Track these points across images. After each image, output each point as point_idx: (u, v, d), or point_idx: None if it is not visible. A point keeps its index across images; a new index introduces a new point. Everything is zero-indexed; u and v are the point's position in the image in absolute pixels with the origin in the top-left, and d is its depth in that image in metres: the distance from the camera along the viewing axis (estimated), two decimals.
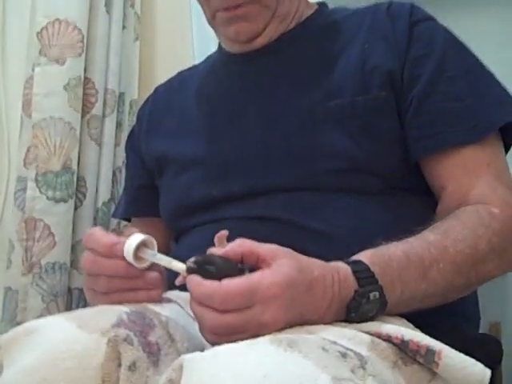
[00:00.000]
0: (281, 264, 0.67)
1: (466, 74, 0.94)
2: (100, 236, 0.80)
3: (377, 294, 0.71)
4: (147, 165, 1.13)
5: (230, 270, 0.68)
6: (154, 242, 0.79)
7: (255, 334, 0.64)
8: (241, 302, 0.65)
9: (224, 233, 0.73)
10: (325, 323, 0.69)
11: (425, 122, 0.91)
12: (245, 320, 0.65)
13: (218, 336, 0.66)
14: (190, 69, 1.21)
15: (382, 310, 0.72)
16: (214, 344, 0.65)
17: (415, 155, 0.92)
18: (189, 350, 0.73)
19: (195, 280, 0.68)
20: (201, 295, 0.66)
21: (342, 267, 0.72)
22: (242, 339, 0.63)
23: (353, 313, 0.70)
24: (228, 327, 0.65)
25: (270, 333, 0.65)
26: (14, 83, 1.58)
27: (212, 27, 1.06)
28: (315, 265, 0.71)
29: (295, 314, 0.67)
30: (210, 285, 0.66)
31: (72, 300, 1.40)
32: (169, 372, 0.60)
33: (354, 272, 0.72)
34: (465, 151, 0.90)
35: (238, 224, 0.91)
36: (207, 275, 0.67)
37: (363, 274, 0.72)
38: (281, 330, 0.66)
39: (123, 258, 0.77)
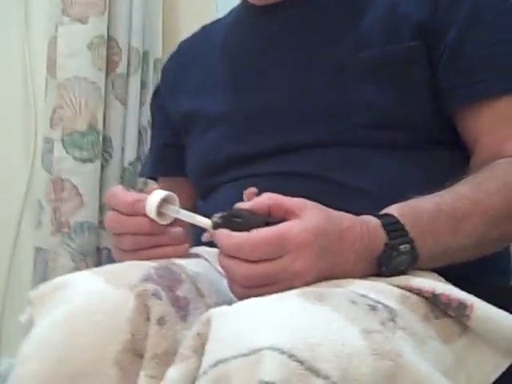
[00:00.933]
0: (310, 214, 0.67)
1: (501, 18, 0.90)
2: (121, 194, 0.80)
3: (408, 246, 0.70)
4: (173, 123, 1.12)
5: (257, 222, 0.67)
6: (176, 198, 0.78)
7: (287, 286, 0.64)
8: (271, 251, 0.64)
9: (253, 190, 0.73)
10: (355, 276, 0.69)
11: (459, 70, 0.88)
12: (276, 269, 0.64)
13: (248, 289, 0.66)
14: (213, 23, 1.18)
15: (413, 264, 0.71)
16: (242, 299, 0.65)
17: (449, 107, 0.90)
18: (217, 305, 0.72)
19: (223, 233, 0.67)
20: (230, 246, 0.66)
21: (371, 220, 0.71)
22: (273, 292, 0.63)
23: (384, 266, 0.70)
24: (259, 277, 0.65)
25: (301, 284, 0.64)
26: (38, 44, 1.58)
27: None
28: (344, 217, 0.70)
29: (326, 264, 0.67)
30: (238, 236, 0.66)
31: (101, 259, 1.42)
32: (197, 326, 0.60)
33: (384, 225, 0.71)
34: (501, 101, 0.87)
35: (268, 180, 0.90)
36: (234, 228, 0.67)
37: (393, 226, 0.71)
38: (312, 281, 0.65)
39: (146, 215, 0.77)
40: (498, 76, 0.87)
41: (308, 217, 0.67)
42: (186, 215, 0.76)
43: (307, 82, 0.94)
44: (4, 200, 1.63)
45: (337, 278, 0.67)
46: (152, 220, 0.77)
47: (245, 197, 0.73)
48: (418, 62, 0.90)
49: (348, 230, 0.68)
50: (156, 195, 0.76)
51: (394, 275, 0.70)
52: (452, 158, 0.91)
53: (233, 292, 0.69)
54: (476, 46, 0.88)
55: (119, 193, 0.80)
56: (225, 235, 0.67)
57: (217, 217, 0.70)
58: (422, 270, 0.74)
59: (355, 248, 0.68)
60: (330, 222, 0.68)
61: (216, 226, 0.69)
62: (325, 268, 0.67)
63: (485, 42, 0.88)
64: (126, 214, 0.78)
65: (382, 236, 0.70)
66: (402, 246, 0.70)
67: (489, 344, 0.68)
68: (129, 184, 1.46)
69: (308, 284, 0.65)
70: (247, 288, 0.66)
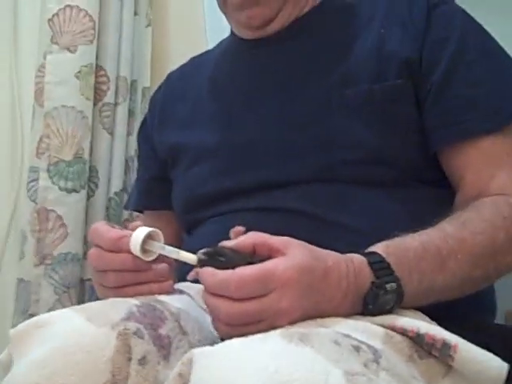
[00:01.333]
0: (295, 252, 0.67)
1: (486, 57, 0.91)
2: (105, 231, 0.79)
3: (394, 284, 0.70)
4: (160, 155, 1.12)
5: (240, 261, 0.67)
6: (161, 234, 0.78)
7: (271, 324, 0.63)
8: (257, 288, 0.64)
9: (240, 229, 0.72)
10: (340, 315, 0.68)
11: (443, 109, 0.89)
12: (261, 308, 0.64)
13: (233, 327, 0.65)
14: (202, 54, 1.19)
15: (399, 302, 0.71)
16: (226, 337, 0.64)
17: (434, 145, 0.90)
18: (200, 343, 0.72)
19: (208, 270, 0.67)
20: (215, 284, 0.65)
21: (356, 258, 0.71)
22: (257, 330, 0.63)
23: (370, 305, 0.69)
24: (243, 316, 0.64)
25: (285, 322, 0.64)
26: (26, 72, 1.57)
27: (223, 13, 1.05)
28: (329, 255, 0.70)
29: (311, 303, 0.66)
30: (223, 273, 0.65)
31: (85, 291, 1.40)
32: (179, 366, 0.60)
33: (370, 263, 0.70)
34: (485, 140, 0.88)
35: (253, 216, 0.89)
36: (218, 266, 0.66)
37: (379, 265, 0.71)
38: (296, 320, 0.65)
39: (130, 252, 0.76)
40: (482, 116, 0.88)
41: (293, 254, 0.66)
42: (171, 251, 0.75)
43: (293, 117, 0.94)
44: None
45: (322, 316, 0.67)
46: (136, 257, 0.76)
47: (231, 235, 0.73)
48: (405, 100, 0.90)
49: (333, 268, 0.68)
50: (140, 232, 0.76)
51: (379, 314, 0.70)
52: (437, 195, 0.91)
53: (217, 330, 0.68)
54: (460, 85, 0.89)
55: (102, 229, 0.80)
56: (209, 273, 0.66)
57: (201, 252, 0.69)
58: (407, 308, 0.73)
59: (341, 286, 0.68)
60: (316, 260, 0.67)
61: (201, 263, 0.69)
62: (310, 307, 0.66)
63: (469, 82, 0.89)
64: (110, 251, 0.78)
65: (368, 274, 0.70)
66: (388, 285, 0.69)
67: None
68: (114, 215, 1.45)
69: (292, 323, 0.64)
70: (231, 326, 0.65)
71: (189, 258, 0.72)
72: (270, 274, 0.64)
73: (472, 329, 0.73)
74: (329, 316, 0.67)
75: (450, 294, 0.78)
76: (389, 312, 0.70)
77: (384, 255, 0.72)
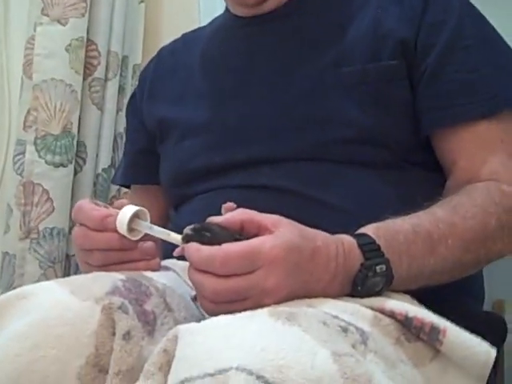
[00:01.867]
0: (283, 231, 0.66)
1: (483, 43, 0.91)
2: (89, 209, 0.77)
3: (383, 266, 0.69)
4: (148, 129, 1.10)
5: (226, 237, 0.65)
6: (147, 213, 0.76)
7: (257, 303, 0.63)
8: (242, 265, 0.63)
9: (232, 205, 0.71)
10: (329, 296, 0.67)
11: (438, 92, 0.88)
12: (246, 285, 0.63)
13: (218, 305, 0.64)
14: (194, 31, 1.17)
15: (388, 285, 0.71)
16: (212, 314, 0.64)
17: (427, 128, 0.90)
18: (186, 320, 0.71)
19: (194, 246, 0.66)
20: (200, 260, 0.64)
21: (346, 239, 0.70)
22: (243, 308, 0.62)
23: (359, 286, 0.69)
24: (229, 292, 0.63)
25: (272, 301, 0.63)
26: (15, 43, 1.56)
27: None
28: (318, 235, 0.69)
29: (298, 282, 0.65)
30: (209, 249, 0.64)
31: (70, 266, 1.40)
32: (164, 342, 0.59)
33: (360, 245, 0.70)
34: (479, 125, 0.87)
35: (241, 193, 0.89)
36: (204, 243, 0.65)
37: (369, 246, 0.70)
38: (283, 299, 0.64)
39: (116, 231, 0.75)
40: (477, 100, 0.87)
41: (281, 233, 0.65)
42: (158, 231, 0.74)
43: (286, 95, 0.93)
44: None
45: (310, 297, 0.66)
46: (122, 236, 0.75)
47: (223, 210, 0.71)
48: (399, 81, 0.90)
49: (322, 249, 0.67)
50: (127, 211, 0.74)
51: (368, 296, 0.69)
52: (428, 178, 0.91)
53: (202, 307, 0.67)
54: (456, 69, 0.88)
55: (87, 207, 0.78)
56: (195, 248, 0.65)
57: (188, 229, 0.68)
58: (396, 291, 0.73)
59: (329, 267, 0.67)
60: (304, 239, 0.67)
61: (186, 240, 0.68)
62: (297, 286, 0.65)
63: (465, 66, 0.88)
64: (95, 230, 0.76)
65: (357, 256, 0.69)
66: (377, 267, 0.69)
67: (461, 369, 0.67)
68: (102, 191, 1.44)
69: (278, 302, 0.64)
70: (216, 303, 0.64)
71: (176, 239, 0.70)
72: (257, 252, 0.63)
73: (460, 314, 0.72)
74: (317, 297, 0.67)
75: (440, 278, 0.78)
76: (377, 294, 0.70)
77: (374, 237, 0.71)
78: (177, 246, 0.71)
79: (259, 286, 0.63)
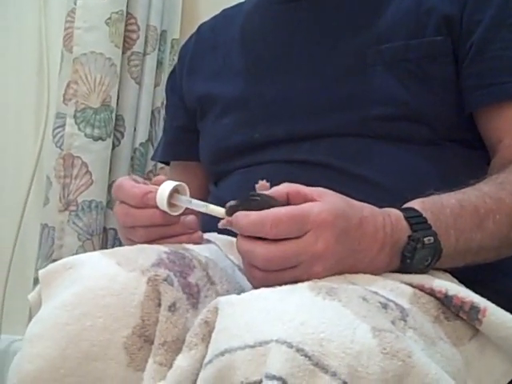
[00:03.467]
0: (330, 199, 0.66)
1: None
2: (130, 187, 0.78)
3: (431, 238, 0.69)
4: (188, 106, 1.11)
5: (276, 203, 0.65)
6: (186, 188, 0.77)
7: (306, 270, 0.63)
8: (292, 228, 0.63)
9: (264, 183, 0.71)
10: (378, 268, 0.68)
11: (483, 70, 0.87)
12: (296, 249, 0.63)
13: (267, 273, 0.64)
14: (234, 7, 1.17)
15: (437, 258, 0.70)
16: (261, 285, 0.64)
17: (471, 106, 0.89)
18: (228, 293, 0.72)
19: (242, 213, 0.66)
20: (249, 224, 0.64)
21: (393, 212, 0.70)
22: (293, 277, 0.63)
23: (408, 259, 0.68)
24: (279, 259, 0.63)
25: (321, 268, 0.63)
26: (55, 17, 1.57)
27: None
28: (365, 206, 0.69)
29: (347, 250, 0.65)
30: (258, 213, 0.64)
31: (107, 240, 1.41)
32: (204, 313, 0.60)
33: (406, 218, 0.70)
34: None
35: (281, 167, 0.89)
36: (252, 209, 0.65)
37: (416, 219, 0.70)
38: (332, 267, 0.64)
39: (157, 207, 0.76)
40: None
41: (328, 200, 0.65)
42: (198, 205, 0.74)
43: (327, 72, 0.93)
44: (12, 174, 1.62)
45: (358, 268, 0.67)
46: (163, 211, 0.76)
47: (257, 189, 0.72)
48: (442, 57, 0.89)
49: (369, 219, 0.67)
50: (166, 186, 0.75)
51: (417, 270, 0.69)
52: (470, 156, 0.90)
53: (251, 277, 0.67)
54: (501, 46, 0.87)
55: (127, 185, 0.79)
56: (243, 214, 0.65)
57: (233, 201, 0.68)
58: (437, 270, 0.73)
59: (377, 238, 0.67)
60: (351, 209, 0.67)
61: (231, 211, 0.68)
62: (345, 254, 0.65)
63: (510, 44, 0.87)
64: (136, 207, 0.77)
65: (405, 228, 0.69)
66: (425, 239, 0.68)
67: (499, 350, 0.67)
68: (139, 165, 1.45)
69: (328, 270, 0.64)
70: (266, 272, 0.64)
71: (217, 211, 0.71)
72: (306, 215, 0.63)
73: (500, 294, 0.72)
74: (365, 268, 0.67)
75: (487, 255, 0.77)
76: (426, 268, 0.70)
77: (421, 210, 0.71)
78: (218, 219, 0.71)
79: (309, 250, 0.63)
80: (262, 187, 0.70)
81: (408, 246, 0.68)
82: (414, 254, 0.68)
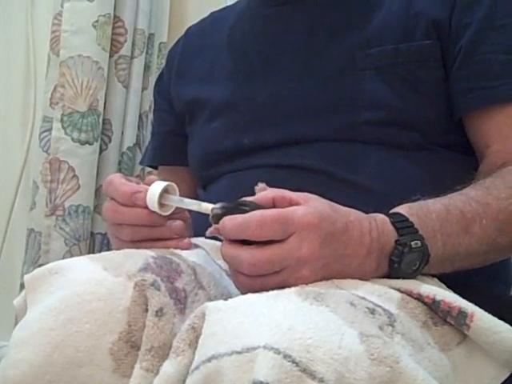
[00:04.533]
0: (314, 203, 0.66)
1: None
2: (119, 184, 0.78)
3: (418, 242, 0.69)
4: (176, 109, 1.11)
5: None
6: (176, 189, 0.77)
7: (293, 274, 0.63)
8: (277, 229, 0.62)
9: (264, 186, 0.70)
10: (366, 273, 0.68)
11: (472, 74, 0.87)
12: (282, 253, 0.63)
13: (254, 278, 0.64)
14: (222, 10, 1.17)
15: (425, 263, 0.70)
16: (247, 290, 0.64)
17: (460, 110, 0.89)
18: (216, 298, 0.72)
19: (227, 218, 0.65)
20: (234, 226, 0.64)
21: (379, 216, 0.70)
22: (279, 282, 0.62)
23: (396, 263, 0.68)
24: (265, 263, 0.63)
25: (308, 272, 0.63)
26: (42, 20, 1.56)
27: None
28: (350, 211, 0.69)
29: (333, 254, 0.65)
30: (243, 215, 0.64)
31: (94, 245, 1.41)
32: (191, 319, 0.59)
33: (393, 222, 0.69)
34: None
35: (270, 172, 0.89)
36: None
37: (402, 224, 0.70)
38: (319, 271, 0.64)
39: (145, 207, 0.75)
40: (509, 82, 0.86)
41: (314, 204, 0.65)
42: (190, 203, 0.74)
43: (316, 76, 0.92)
44: None
45: (346, 273, 0.66)
46: (152, 211, 0.75)
47: (256, 191, 0.71)
48: (431, 61, 0.88)
49: (355, 223, 0.67)
50: (157, 186, 0.75)
51: (406, 275, 0.69)
52: (460, 161, 0.90)
53: (237, 283, 0.67)
54: (490, 50, 0.87)
55: (117, 182, 0.78)
56: (229, 218, 0.65)
57: (219, 207, 0.68)
58: (425, 275, 0.73)
59: (364, 242, 0.67)
60: (336, 213, 0.66)
61: (217, 219, 0.67)
62: (332, 258, 0.65)
63: (499, 47, 0.87)
64: (125, 205, 0.77)
65: (391, 232, 0.69)
66: (412, 243, 0.68)
67: (487, 354, 0.67)
68: (126, 169, 1.45)
69: (315, 274, 0.64)
70: (252, 277, 0.64)
71: (208, 208, 0.70)
72: (290, 217, 0.63)
73: (487, 299, 0.71)
74: (353, 273, 0.67)
75: (475, 260, 0.77)
76: (415, 273, 0.69)
77: (407, 215, 0.71)
78: (205, 221, 0.70)
79: (294, 254, 0.63)
80: (262, 190, 0.70)
81: (395, 250, 0.68)
82: (402, 259, 0.68)
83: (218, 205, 0.68)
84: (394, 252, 0.68)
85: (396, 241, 0.68)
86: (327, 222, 0.64)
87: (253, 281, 0.64)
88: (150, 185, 0.76)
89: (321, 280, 0.65)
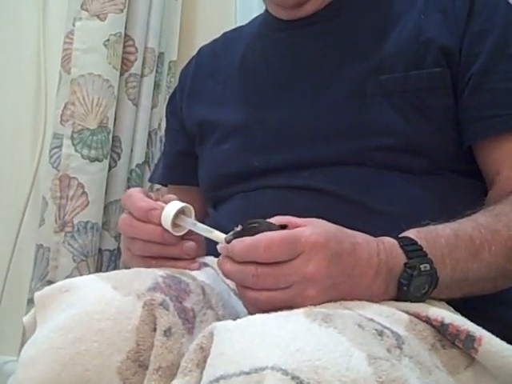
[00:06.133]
0: (321, 224, 0.67)
1: None
2: (137, 199, 0.79)
3: (427, 265, 0.69)
4: (188, 130, 1.11)
5: (275, 228, 0.66)
6: (192, 211, 0.78)
7: (300, 293, 0.63)
8: (285, 250, 0.63)
9: None
10: (374, 296, 0.68)
11: (482, 102, 0.88)
12: (287, 269, 0.63)
13: (260, 292, 0.64)
14: (234, 30, 1.18)
15: (434, 286, 0.70)
16: (252, 306, 0.65)
17: (470, 138, 0.89)
18: (224, 318, 0.72)
19: (236, 240, 0.66)
20: (243, 248, 0.65)
21: (387, 239, 0.70)
22: (285, 297, 0.63)
23: (405, 286, 0.68)
24: (270, 276, 0.64)
25: (315, 291, 0.63)
26: (54, 38, 1.58)
27: None
28: (357, 233, 0.69)
29: (341, 275, 0.65)
30: (251, 238, 0.65)
31: (102, 261, 1.41)
32: (200, 338, 0.59)
33: (401, 245, 0.70)
34: None
35: (280, 193, 0.89)
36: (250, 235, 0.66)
37: (411, 247, 0.70)
38: (326, 290, 0.64)
39: (159, 224, 0.76)
40: None
41: (320, 225, 0.66)
42: (202, 229, 0.75)
43: (327, 101, 0.93)
44: (8, 194, 1.62)
45: (355, 294, 0.66)
46: (165, 230, 0.76)
47: None
48: (441, 89, 0.89)
49: (363, 245, 0.67)
50: (173, 206, 0.76)
51: (415, 299, 0.69)
52: (469, 186, 0.90)
53: (244, 299, 0.68)
54: (499, 78, 0.88)
55: (135, 196, 0.80)
56: (238, 240, 0.66)
57: (232, 232, 0.68)
58: (434, 299, 0.72)
59: (372, 263, 0.67)
60: (344, 234, 0.67)
61: (230, 240, 0.68)
62: (340, 279, 0.65)
63: (510, 76, 0.88)
64: (140, 220, 0.78)
65: (400, 255, 0.69)
66: (422, 266, 0.68)
67: (495, 379, 0.66)
68: (135, 186, 1.44)
69: (322, 294, 0.64)
70: (258, 291, 0.65)
71: (219, 237, 0.71)
72: (297, 237, 0.64)
73: (496, 323, 0.71)
74: (362, 295, 0.67)
75: (484, 286, 0.77)
76: (424, 296, 0.69)
77: (416, 239, 0.71)
78: (216, 244, 0.71)
79: (300, 271, 0.63)
80: None
81: (404, 273, 0.68)
82: (411, 282, 0.68)
83: (230, 234, 0.68)
84: (402, 275, 0.68)
85: (405, 264, 0.68)
86: (334, 241, 0.65)
87: (258, 294, 0.65)
88: (167, 203, 0.77)
89: (329, 301, 0.65)
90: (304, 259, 0.63)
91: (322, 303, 0.64)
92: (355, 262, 0.66)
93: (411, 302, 0.69)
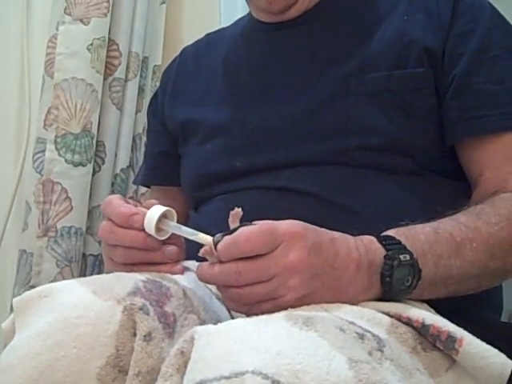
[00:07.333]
0: (297, 221, 0.67)
1: (510, 54, 0.90)
2: (117, 205, 0.78)
3: (407, 256, 0.69)
4: (170, 130, 1.11)
5: None
6: (175, 214, 0.77)
7: (282, 283, 0.63)
8: (265, 239, 0.63)
9: (238, 211, 0.71)
10: (358, 290, 0.68)
11: (465, 103, 0.88)
12: (268, 261, 0.63)
13: (242, 289, 0.65)
14: (217, 32, 1.18)
15: (417, 279, 0.70)
16: (235, 305, 0.66)
17: (452, 138, 0.90)
18: (205, 322, 0.71)
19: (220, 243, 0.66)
20: (224, 246, 0.65)
21: (365, 236, 0.71)
22: (268, 290, 0.63)
23: (387, 277, 0.68)
24: (251, 270, 0.64)
25: (298, 281, 0.64)
26: (37, 42, 1.56)
27: None
28: (334, 232, 0.70)
29: (322, 263, 0.65)
30: (230, 235, 0.65)
31: (86, 266, 1.40)
32: (180, 343, 0.59)
33: (380, 241, 0.70)
34: (505, 137, 0.87)
35: (260, 194, 0.89)
36: None
37: (390, 241, 0.70)
38: (309, 281, 0.64)
39: (141, 230, 0.76)
40: (503, 112, 0.87)
41: (296, 221, 0.67)
42: (187, 232, 0.74)
43: (309, 100, 0.93)
44: None
45: (339, 287, 0.67)
46: (147, 235, 0.75)
47: (230, 219, 0.71)
48: (425, 89, 0.89)
49: (340, 240, 0.68)
50: (156, 210, 0.75)
51: (400, 293, 0.69)
52: (452, 187, 0.91)
53: (226, 298, 0.68)
54: (482, 80, 0.88)
55: (115, 203, 0.78)
56: (221, 241, 0.66)
57: (219, 235, 0.68)
58: (416, 300, 0.73)
59: (352, 256, 0.67)
60: (321, 230, 0.68)
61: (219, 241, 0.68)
62: (322, 269, 0.65)
63: (492, 77, 0.88)
64: (121, 226, 0.77)
65: (379, 249, 0.70)
66: (401, 256, 0.69)
67: (476, 380, 0.67)
68: (120, 191, 1.44)
69: (305, 284, 0.64)
70: (240, 288, 0.65)
71: (204, 239, 0.71)
72: (276, 228, 0.64)
73: (477, 325, 0.72)
74: (346, 288, 0.67)
75: (468, 284, 0.77)
76: (409, 289, 0.70)
77: (394, 235, 0.72)
78: (198, 246, 0.70)
79: (280, 261, 0.63)
80: (235, 217, 0.70)
81: (385, 265, 0.68)
82: (393, 273, 0.68)
83: (218, 235, 0.68)
84: (383, 267, 0.69)
85: (385, 256, 0.69)
86: (313, 232, 0.66)
87: (241, 290, 0.65)
88: (148, 208, 0.76)
89: (314, 293, 0.65)
90: (284, 249, 0.63)
91: (306, 295, 0.65)
92: (335, 254, 0.67)
93: (397, 296, 0.69)
